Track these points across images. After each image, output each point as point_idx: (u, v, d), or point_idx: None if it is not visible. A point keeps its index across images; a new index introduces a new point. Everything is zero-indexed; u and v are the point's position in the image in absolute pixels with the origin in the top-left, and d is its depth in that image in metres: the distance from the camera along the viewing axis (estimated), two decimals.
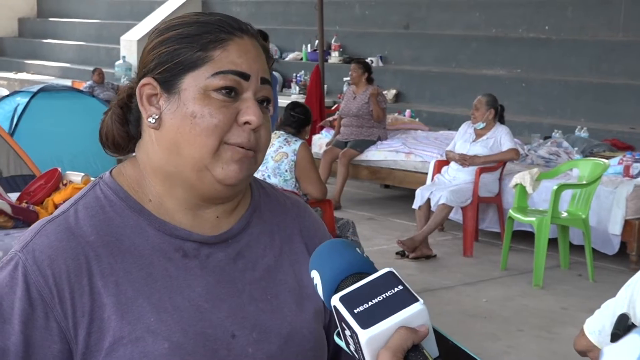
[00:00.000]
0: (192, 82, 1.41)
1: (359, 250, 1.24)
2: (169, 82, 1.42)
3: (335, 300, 1.13)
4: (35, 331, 1.36)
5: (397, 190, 10.48)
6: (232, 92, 1.42)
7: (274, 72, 11.90)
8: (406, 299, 1.12)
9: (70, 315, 1.37)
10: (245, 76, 1.43)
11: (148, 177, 1.47)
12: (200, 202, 1.46)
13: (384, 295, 1.12)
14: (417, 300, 1.11)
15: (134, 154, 1.52)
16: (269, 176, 6.11)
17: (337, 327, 1.16)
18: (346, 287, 1.15)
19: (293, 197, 1.66)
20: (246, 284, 1.48)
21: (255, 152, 1.45)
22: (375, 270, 1.17)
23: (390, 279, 1.14)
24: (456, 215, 8.09)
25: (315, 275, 1.21)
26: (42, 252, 1.38)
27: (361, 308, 1.11)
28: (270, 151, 6.11)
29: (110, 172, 1.50)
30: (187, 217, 1.47)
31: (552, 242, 7.09)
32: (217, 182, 1.42)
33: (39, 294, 1.36)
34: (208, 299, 1.43)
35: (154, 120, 1.43)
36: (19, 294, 1.36)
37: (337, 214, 6.99)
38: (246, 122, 1.42)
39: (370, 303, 1.11)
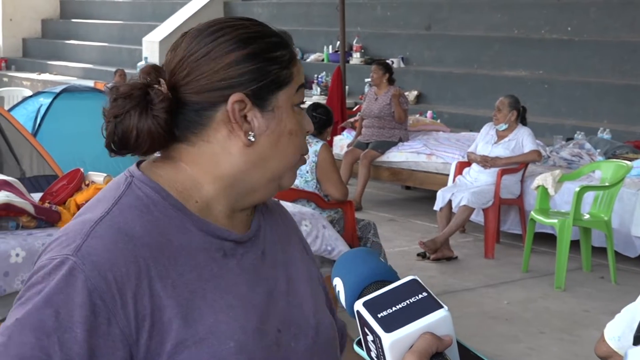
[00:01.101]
0: (285, 99, 1.47)
1: (381, 259, 1.24)
2: (262, 99, 1.45)
3: (358, 305, 1.13)
4: (100, 339, 1.31)
5: (418, 191, 10.46)
6: (301, 104, 1.51)
7: None
8: (431, 305, 1.11)
9: (133, 320, 1.33)
10: (305, 87, 1.55)
11: (201, 181, 1.46)
12: (245, 206, 1.51)
13: (408, 301, 1.12)
14: (442, 306, 1.11)
15: (155, 154, 1.50)
16: None
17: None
18: (369, 293, 1.15)
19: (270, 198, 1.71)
20: (274, 281, 1.52)
21: None
22: (398, 279, 1.17)
23: (415, 286, 1.14)
24: (477, 217, 8.07)
25: (338, 282, 1.21)
26: (100, 255, 1.34)
27: (385, 313, 1.11)
28: None
29: (140, 170, 1.48)
30: (227, 219, 1.49)
31: (574, 244, 7.05)
32: (279, 188, 1.51)
33: (101, 299, 1.31)
34: (253, 296, 1.46)
35: (254, 138, 1.45)
36: (79, 300, 1.31)
37: (358, 215, 6.98)
38: (308, 131, 1.52)
39: (394, 308, 1.11)
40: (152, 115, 1.43)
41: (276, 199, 1.70)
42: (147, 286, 1.35)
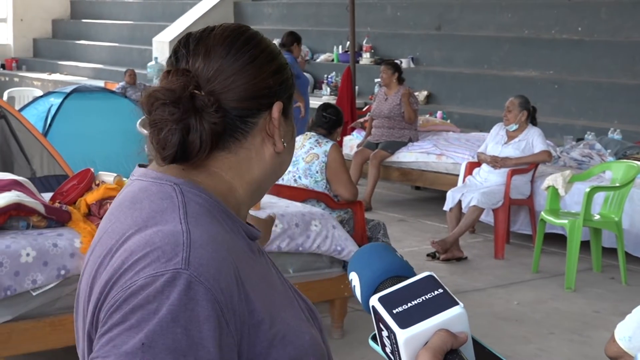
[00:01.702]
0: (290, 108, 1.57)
1: (398, 254, 1.24)
2: (287, 107, 1.53)
3: (374, 301, 1.13)
4: (229, 352, 1.29)
5: (428, 192, 10.46)
6: None
7: (305, 74, 11.92)
8: (446, 301, 1.11)
9: (239, 327, 1.32)
10: None
11: (237, 187, 1.48)
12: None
13: (423, 298, 1.12)
14: (457, 303, 1.11)
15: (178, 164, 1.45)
16: (299, 177, 6.12)
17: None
18: (385, 289, 1.15)
19: None
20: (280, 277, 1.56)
21: None
22: (415, 274, 1.17)
23: (431, 283, 1.14)
24: (487, 218, 8.06)
25: (354, 277, 1.21)
26: (211, 266, 1.30)
27: (400, 309, 1.11)
28: (301, 152, 6.12)
29: (180, 178, 1.43)
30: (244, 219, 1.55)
31: (584, 245, 7.04)
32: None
33: (221, 310, 1.29)
34: (284, 291, 1.50)
35: (286, 144, 1.52)
36: (204, 314, 1.27)
37: (367, 215, 6.98)
38: None
39: (409, 304, 1.11)
40: (210, 122, 1.39)
41: None
42: (243, 291, 1.34)
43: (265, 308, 1.37)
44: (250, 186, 1.49)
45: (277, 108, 1.47)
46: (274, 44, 1.55)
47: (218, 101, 1.41)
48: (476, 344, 1.15)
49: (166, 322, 1.24)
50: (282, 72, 1.50)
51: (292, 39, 10.28)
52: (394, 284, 1.15)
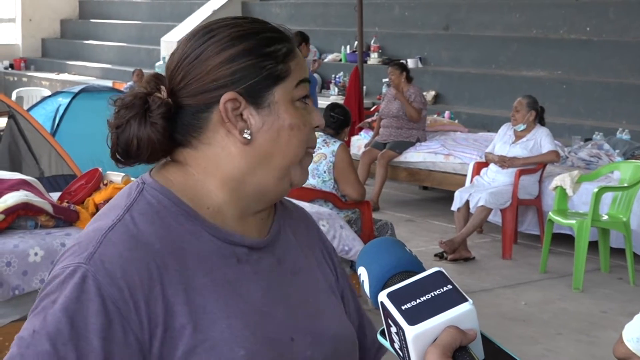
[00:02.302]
0: (283, 94, 1.45)
1: (407, 249, 1.23)
2: (257, 96, 1.43)
3: (382, 297, 1.12)
4: (115, 347, 1.31)
5: (435, 192, 10.45)
6: (305, 99, 1.49)
7: (313, 74, 11.91)
8: (455, 298, 1.11)
9: (147, 327, 1.33)
10: (309, 81, 1.50)
11: (210, 186, 1.45)
12: (259, 208, 1.48)
13: (432, 294, 1.11)
14: (467, 300, 1.10)
15: (164, 160, 1.50)
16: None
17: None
18: (393, 284, 1.14)
19: (296, 205, 1.69)
20: (292, 288, 1.49)
21: None
22: (424, 270, 1.17)
23: (440, 278, 1.13)
24: (495, 218, 8.05)
25: (362, 272, 1.20)
26: (113, 262, 1.33)
27: (409, 305, 1.10)
28: None
29: (152, 177, 1.48)
30: (239, 223, 1.47)
31: (592, 245, 7.02)
32: (291, 186, 1.48)
33: (115, 307, 1.31)
34: (266, 303, 1.44)
35: (249, 136, 1.43)
36: (93, 308, 1.30)
37: (375, 215, 6.98)
38: (317, 126, 1.50)
39: (418, 300, 1.10)
40: (151, 123, 1.43)
41: (301, 207, 1.68)
42: (160, 292, 1.34)
43: (193, 314, 1.35)
44: (228, 185, 1.44)
45: (224, 99, 1.41)
46: (238, 31, 1.45)
47: (175, 101, 1.44)
48: (485, 341, 1.14)
49: (57, 311, 1.30)
50: (236, 60, 1.42)
51: (300, 39, 10.23)
52: (403, 279, 1.14)
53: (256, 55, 1.43)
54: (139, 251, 1.36)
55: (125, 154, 1.45)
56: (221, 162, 1.44)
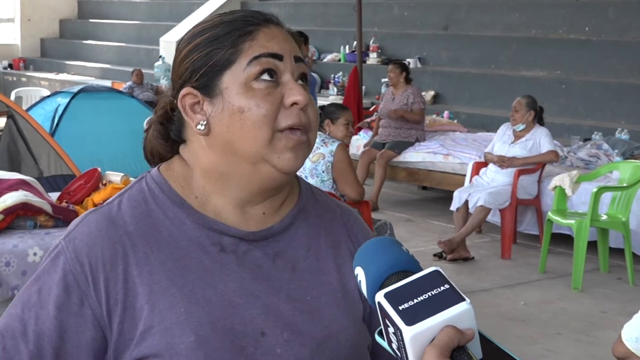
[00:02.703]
0: (232, 79, 1.43)
1: (404, 249, 1.23)
2: (208, 86, 1.44)
3: (379, 297, 1.12)
4: (70, 317, 1.39)
5: (434, 192, 10.45)
6: (272, 76, 1.43)
7: (312, 74, 11.91)
8: (452, 298, 1.10)
9: (104, 303, 1.39)
10: (278, 57, 1.44)
11: (197, 176, 1.49)
12: (252, 198, 1.48)
13: (429, 294, 1.11)
14: (464, 299, 1.10)
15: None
16: (306, 177, 6.11)
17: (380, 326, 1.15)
18: (391, 284, 1.14)
19: (345, 205, 1.65)
20: (284, 283, 1.47)
21: (307, 133, 1.45)
22: (421, 269, 1.16)
23: (437, 278, 1.13)
24: (494, 218, 8.05)
25: (359, 271, 1.20)
26: (82, 240, 1.42)
27: (406, 305, 1.10)
28: None
29: (159, 167, 1.53)
30: (235, 214, 1.48)
31: (592, 245, 7.03)
32: (277, 171, 1.43)
33: (75, 280, 1.40)
34: (241, 295, 1.43)
35: (203, 127, 1.44)
36: (56, 280, 1.41)
37: (374, 215, 6.98)
38: (294, 103, 1.43)
39: (415, 300, 1.10)
40: (153, 128, 1.54)
41: (352, 209, 1.64)
42: (122, 271, 1.40)
43: (153, 295, 1.39)
44: (209, 176, 1.47)
45: (180, 95, 1.45)
46: (202, 26, 1.47)
47: (171, 102, 1.52)
48: (484, 340, 1.14)
49: (32, 280, 1.44)
50: (188, 57, 1.45)
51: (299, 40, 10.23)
52: (400, 279, 1.14)
53: (206, 46, 1.44)
54: (109, 231, 1.42)
55: (146, 156, 1.57)
56: (199, 155, 1.47)
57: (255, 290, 1.44)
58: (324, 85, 14.20)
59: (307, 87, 1.48)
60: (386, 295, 1.11)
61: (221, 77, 1.43)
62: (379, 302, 1.12)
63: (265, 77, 1.42)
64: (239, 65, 1.42)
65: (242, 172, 1.44)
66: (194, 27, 1.49)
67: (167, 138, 1.53)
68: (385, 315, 1.11)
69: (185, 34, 1.50)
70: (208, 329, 1.39)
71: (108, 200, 1.50)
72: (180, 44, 1.49)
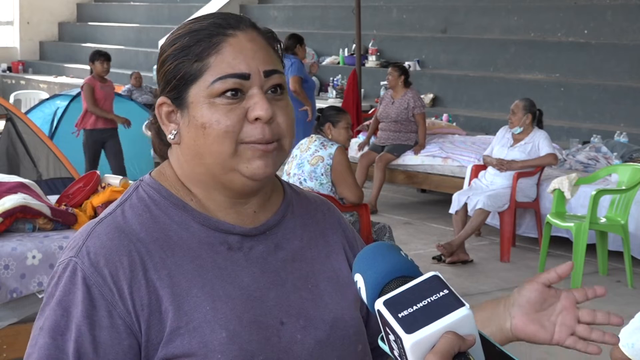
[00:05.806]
0: (197, 93, 1.45)
1: (403, 254, 1.22)
2: (178, 98, 1.47)
3: (379, 304, 1.11)
4: (103, 331, 1.39)
5: (433, 194, 10.45)
6: (237, 93, 1.44)
7: (311, 77, 11.89)
8: (452, 303, 1.10)
9: (132, 310, 1.40)
10: (244, 76, 1.44)
11: (186, 181, 1.53)
12: (237, 200, 1.51)
13: (429, 300, 1.10)
14: (463, 304, 1.09)
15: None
16: (305, 180, 6.11)
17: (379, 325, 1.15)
18: (390, 290, 1.13)
19: (319, 196, 1.72)
20: (288, 274, 1.53)
21: (278, 141, 1.47)
22: (420, 274, 1.16)
23: (436, 283, 1.12)
24: (493, 221, 8.05)
25: (358, 278, 1.20)
26: (97, 253, 1.42)
27: (405, 312, 1.09)
28: (306, 155, 6.12)
29: (150, 174, 1.56)
30: (229, 214, 1.52)
31: (590, 248, 7.02)
32: (247, 179, 1.46)
33: (99, 293, 1.40)
34: (257, 288, 1.48)
35: (173, 137, 1.50)
36: (80, 297, 1.39)
37: (373, 218, 6.97)
38: (257, 118, 1.44)
39: (414, 307, 1.09)
40: (153, 129, 1.58)
41: (325, 199, 1.71)
42: (143, 277, 1.42)
43: (176, 297, 1.41)
44: (192, 180, 1.50)
45: (157, 104, 1.50)
46: (177, 32, 1.49)
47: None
48: (487, 344, 1.14)
49: (54, 304, 1.41)
50: (162, 67, 1.49)
51: (294, 41, 10.09)
52: (400, 285, 1.14)
53: (174, 58, 1.46)
54: (121, 240, 1.43)
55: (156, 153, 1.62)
56: (180, 161, 1.52)
57: (267, 282, 1.50)
58: (323, 88, 14.20)
59: (285, 96, 1.49)
60: (385, 303, 1.11)
61: (188, 91, 1.45)
62: (378, 310, 1.12)
63: (228, 94, 1.44)
64: (204, 82, 1.44)
65: (217, 180, 1.48)
66: (171, 33, 1.52)
67: (165, 141, 1.57)
68: (385, 323, 1.11)
69: (165, 41, 1.53)
70: (236, 323, 1.43)
71: (107, 211, 1.51)
72: (160, 51, 1.51)
